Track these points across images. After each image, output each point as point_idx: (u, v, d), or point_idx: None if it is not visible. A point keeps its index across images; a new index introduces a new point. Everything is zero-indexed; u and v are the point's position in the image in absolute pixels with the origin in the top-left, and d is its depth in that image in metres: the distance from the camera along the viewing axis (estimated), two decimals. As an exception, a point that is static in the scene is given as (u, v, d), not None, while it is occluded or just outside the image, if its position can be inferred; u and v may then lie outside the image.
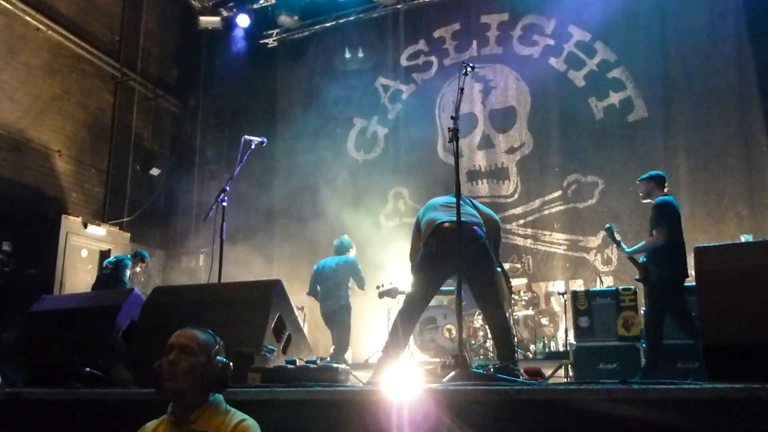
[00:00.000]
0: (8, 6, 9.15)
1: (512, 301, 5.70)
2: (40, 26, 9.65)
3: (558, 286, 9.06)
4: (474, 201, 4.93)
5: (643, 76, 9.41)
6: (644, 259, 5.90)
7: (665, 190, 6.03)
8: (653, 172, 6.18)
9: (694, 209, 8.68)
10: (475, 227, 4.53)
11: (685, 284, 5.69)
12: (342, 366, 3.60)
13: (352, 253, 8.02)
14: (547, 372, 5.90)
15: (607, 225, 6.37)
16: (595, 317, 6.45)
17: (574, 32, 9.99)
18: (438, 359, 7.17)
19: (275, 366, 3.55)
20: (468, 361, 3.60)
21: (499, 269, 4.79)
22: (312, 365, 3.54)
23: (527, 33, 10.34)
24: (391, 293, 5.62)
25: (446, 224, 4.47)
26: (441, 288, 4.96)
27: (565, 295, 7.76)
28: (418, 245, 4.80)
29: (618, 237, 6.24)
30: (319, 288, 7.95)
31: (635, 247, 6.10)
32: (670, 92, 9.20)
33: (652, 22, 9.41)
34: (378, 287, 5.73)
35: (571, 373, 6.36)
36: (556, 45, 10.08)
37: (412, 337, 7.81)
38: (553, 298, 9.12)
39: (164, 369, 2.43)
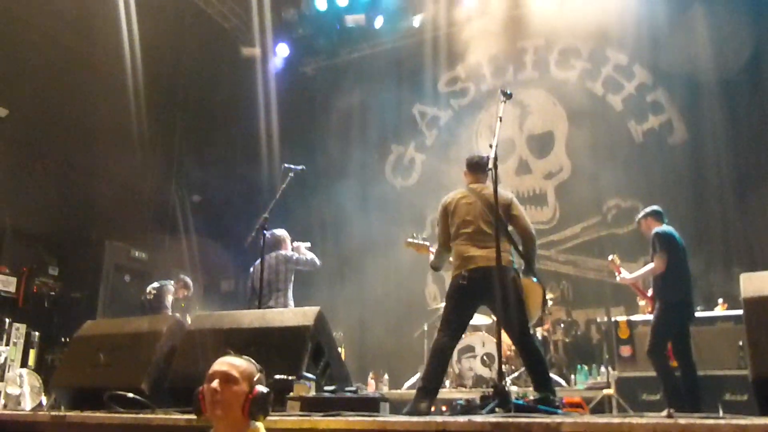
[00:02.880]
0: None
1: (547, 310, 5.65)
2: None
3: (598, 314, 8.89)
4: (511, 205, 4.80)
5: (683, 98, 9.27)
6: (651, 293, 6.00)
7: (663, 222, 6.07)
8: (649, 209, 6.25)
9: (739, 233, 8.46)
10: (507, 266, 4.51)
11: (696, 313, 5.85)
12: (380, 394, 3.59)
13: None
14: (589, 403, 5.79)
15: (610, 256, 6.47)
16: (638, 347, 6.31)
17: (611, 56, 9.92)
18: (476, 388, 7.09)
19: (314, 394, 3.56)
20: (508, 392, 3.55)
21: (535, 279, 4.77)
22: (351, 394, 3.53)
23: (564, 57, 10.30)
24: (419, 247, 5.51)
25: (479, 265, 4.44)
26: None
27: (605, 324, 7.62)
28: (444, 232, 4.83)
29: (619, 264, 6.36)
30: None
31: (635, 273, 6.23)
32: (712, 114, 9.01)
33: (690, 44, 9.27)
34: (409, 235, 5.57)
35: (613, 404, 6.22)
36: (593, 69, 10.02)
37: (450, 366, 7.78)
38: (593, 327, 8.94)
39: (207, 397, 2.46)
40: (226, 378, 2.48)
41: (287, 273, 6.76)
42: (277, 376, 3.39)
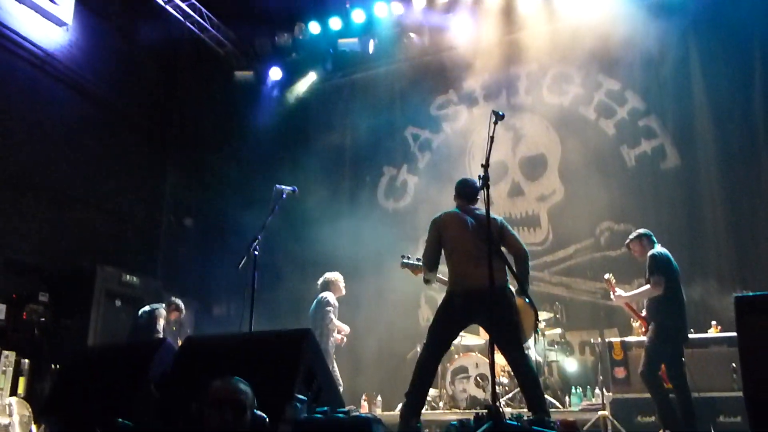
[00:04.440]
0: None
1: (539, 328, 5.63)
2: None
3: (592, 335, 8.87)
4: (503, 226, 4.88)
5: (674, 123, 9.36)
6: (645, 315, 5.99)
7: (656, 245, 6.11)
8: (640, 232, 6.30)
9: (730, 257, 8.51)
10: (501, 285, 4.52)
11: (690, 336, 5.85)
12: (373, 416, 3.56)
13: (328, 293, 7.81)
14: (584, 425, 5.76)
15: (606, 275, 6.46)
16: (632, 368, 6.29)
17: (604, 81, 10.02)
18: (470, 410, 7.04)
19: (306, 417, 3.52)
20: (501, 413, 3.53)
21: (527, 300, 4.78)
22: (343, 416, 3.50)
23: (556, 82, 10.40)
24: (414, 268, 5.49)
25: (476, 285, 4.43)
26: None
27: (599, 345, 7.60)
28: (434, 250, 4.88)
29: (614, 283, 6.35)
30: None
31: (631, 292, 6.26)
32: (703, 140, 9.10)
33: (682, 70, 9.40)
34: (403, 257, 5.59)
35: (608, 426, 6.18)
36: (586, 94, 10.12)
37: (444, 387, 7.74)
38: (587, 348, 8.92)
39: (212, 424, 2.40)
40: (235, 405, 2.44)
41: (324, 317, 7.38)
42: (269, 399, 3.35)
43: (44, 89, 9.46)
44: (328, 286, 7.83)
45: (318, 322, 7.45)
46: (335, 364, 7.56)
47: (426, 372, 4.51)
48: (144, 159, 11.29)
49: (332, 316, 7.49)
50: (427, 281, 5.21)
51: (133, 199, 10.91)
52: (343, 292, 7.90)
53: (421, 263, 5.45)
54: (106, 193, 10.35)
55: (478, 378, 7.47)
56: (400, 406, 7.91)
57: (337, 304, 7.66)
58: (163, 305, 8.37)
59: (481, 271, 4.31)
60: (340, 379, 7.50)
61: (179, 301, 8.60)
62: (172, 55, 12.05)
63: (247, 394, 2.48)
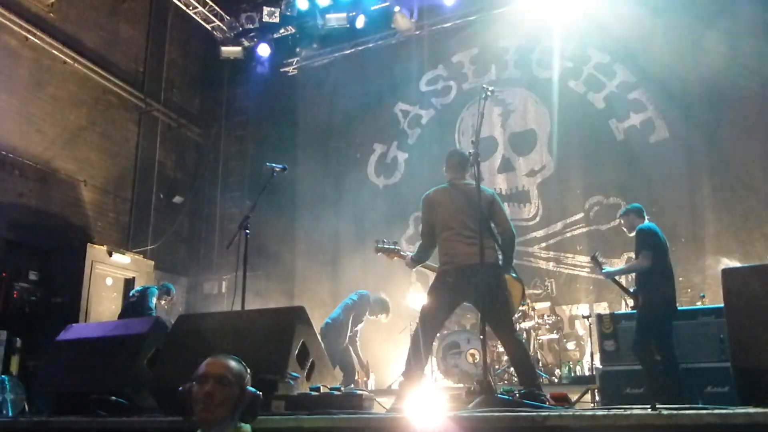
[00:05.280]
0: (35, 40, 9.40)
1: (524, 303, 5.63)
2: (67, 59, 9.88)
3: (582, 309, 8.96)
4: (493, 201, 4.84)
5: (663, 96, 9.36)
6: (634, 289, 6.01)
7: (645, 218, 6.12)
8: (631, 206, 6.31)
9: (719, 230, 8.58)
10: (492, 261, 4.54)
11: (678, 308, 5.86)
12: (366, 392, 3.59)
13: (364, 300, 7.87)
14: (573, 397, 5.82)
15: (593, 254, 6.48)
16: (621, 341, 6.33)
17: (593, 54, 9.99)
18: (462, 385, 7.11)
19: (299, 393, 3.55)
20: (493, 387, 3.57)
21: (514, 275, 4.80)
22: (336, 392, 3.53)
23: (546, 56, 10.35)
24: (389, 252, 5.42)
25: (468, 262, 4.45)
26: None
27: (589, 319, 7.67)
28: (429, 228, 4.85)
29: (602, 261, 6.37)
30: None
31: (618, 268, 6.40)
32: (692, 112, 9.13)
33: (671, 43, 9.37)
34: (377, 241, 5.51)
35: (597, 398, 6.26)
36: (575, 67, 10.08)
37: (435, 363, 7.80)
38: (577, 322, 9.00)
39: (199, 399, 2.41)
40: (221, 380, 2.44)
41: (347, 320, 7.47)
42: (262, 376, 3.37)
43: (28, 60, 9.33)
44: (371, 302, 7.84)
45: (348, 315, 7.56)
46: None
47: (420, 350, 4.53)
48: (133, 135, 11.20)
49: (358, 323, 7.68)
50: (417, 261, 5.15)
51: (121, 175, 10.83)
52: (380, 319, 7.99)
53: (397, 247, 5.43)
54: (94, 169, 10.27)
55: (469, 354, 7.53)
56: (391, 382, 8.04)
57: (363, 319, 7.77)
58: (156, 287, 8.37)
59: (471, 249, 4.32)
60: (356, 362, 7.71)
61: (171, 286, 8.61)
62: (158, 31, 11.90)
63: (233, 369, 2.48)
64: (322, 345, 4.43)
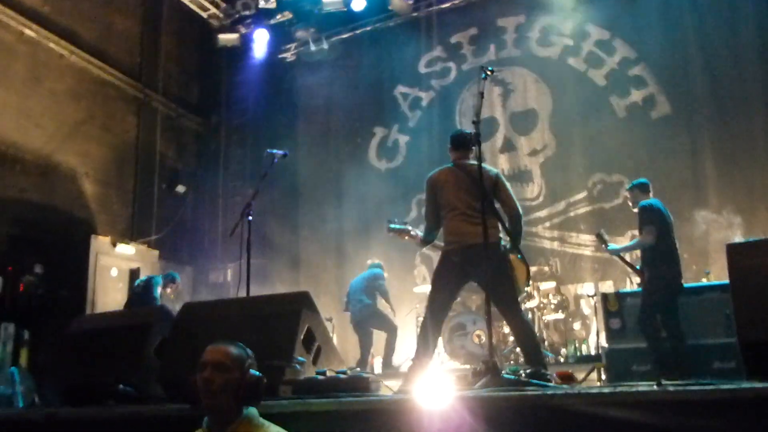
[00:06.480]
0: (31, 34, 9.34)
1: (529, 284, 5.61)
2: (63, 52, 9.83)
3: (587, 288, 8.95)
4: (498, 180, 4.80)
5: (664, 72, 9.29)
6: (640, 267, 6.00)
7: (650, 194, 6.12)
8: (636, 181, 6.31)
9: (723, 204, 8.55)
10: (495, 241, 4.52)
11: (684, 284, 5.86)
12: (373, 375, 3.60)
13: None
14: (580, 376, 5.84)
15: (598, 232, 6.49)
16: (627, 318, 6.34)
17: (593, 31, 9.91)
18: (468, 366, 7.13)
19: (306, 378, 3.56)
20: (499, 367, 3.57)
21: (519, 255, 4.80)
22: (342, 375, 3.54)
23: (545, 34, 10.27)
24: (401, 232, 5.43)
25: (473, 242, 4.44)
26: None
27: (594, 297, 7.67)
28: (433, 208, 4.86)
29: (607, 238, 6.37)
30: (349, 303, 8.48)
31: (623, 245, 6.38)
32: (694, 87, 9.06)
33: (671, 17, 9.29)
34: (389, 221, 5.53)
35: (603, 377, 6.27)
36: (575, 45, 10.00)
37: (441, 345, 7.82)
38: (582, 301, 9.00)
39: (200, 386, 2.44)
40: (218, 366, 2.46)
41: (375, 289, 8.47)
42: (269, 362, 3.38)
43: (24, 55, 9.29)
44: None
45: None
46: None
47: (429, 333, 4.54)
48: (133, 126, 11.18)
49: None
50: (425, 242, 5.16)
51: (122, 167, 10.82)
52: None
53: (408, 227, 5.43)
54: (95, 162, 10.26)
55: (475, 335, 7.55)
56: (397, 365, 8.08)
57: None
58: (161, 276, 8.39)
59: (476, 229, 4.31)
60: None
61: (176, 275, 8.62)
62: (154, 21, 11.83)
63: (231, 355, 2.49)
64: (328, 330, 4.44)
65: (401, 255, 9.63)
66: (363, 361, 8.27)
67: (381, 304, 8.53)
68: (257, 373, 2.53)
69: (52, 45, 9.66)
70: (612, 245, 6.35)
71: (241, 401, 2.47)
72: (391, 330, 8.34)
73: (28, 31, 9.28)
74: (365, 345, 8.41)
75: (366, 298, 8.34)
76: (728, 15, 8.92)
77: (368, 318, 8.33)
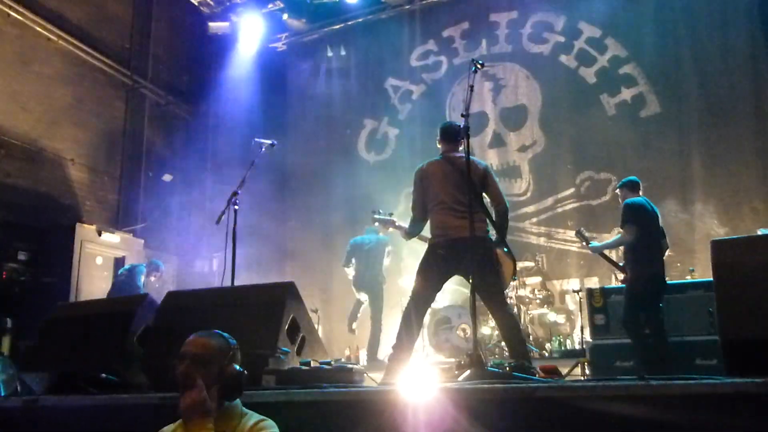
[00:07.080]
0: (19, 17, 9.22)
1: (515, 278, 5.64)
2: (51, 36, 9.72)
3: (573, 284, 9.00)
4: (487, 174, 4.80)
5: (655, 71, 9.34)
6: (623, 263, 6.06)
7: (639, 192, 6.15)
8: (626, 179, 6.32)
9: (709, 204, 8.62)
10: (482, 235, 4.53)
11: (668, 281, 5.94)
12: (357, 366, 3.59)
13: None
14: (564, 370, 5.87)
15: (578, 230, 6.60)
16: (611, 314, 6.39)
17: (585, 29, 9.93)
18: (453, 359, 7.15)
19: (290, 368, 3.55)
20: (483, 360, 3.58)
21: (506, 249, 4.80)
22: (326, 366, 3.53)
23: (537, 30, 10.29)
24: (385, 223, 5.46)
25: (459, 235, 4.46)
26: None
27: (580, 293, 7.71)
28: (420, 200, 4.86)
29: (587, 235, 6.48)
30: (355, 260, 8.40)
31: (604, 243, 6.41)
32: (683, 87, 9.12)
33: (663, 17, 9.33)
34: (374, 211, 5.55)
35: (587, 371, 6.31)
36: (567, 42, 10.02)
37: (427, 338, 7.84)
38: (568, 296, 9.06)
39: (178, 380, 2.39)
40: (197, 359, 2.40)
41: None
42: (253, 352, 3.37)
43: (11, 37, 9.18)
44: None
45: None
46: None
47: (412, 324, 4.54)
48: (121, 112, 11.08)
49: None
50: (410, 235, 5.16)
51: (109, 154, 10.73)
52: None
53: (393, 218, 5.43)
54: (81, 148, 10.17)
55: (459, 329, 7.57)
56: (382, 357, 8.08)
57: None
58: (144, 264, 8.36)
59: (463, 223, 4.31)
60: None
61: (159, 262, 8.58)
62: (145, 6, 11.72)
63: (212, 346, 2.44)
64: (312, 321, 4.43)
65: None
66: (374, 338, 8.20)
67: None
68: (238, 367, 2.49)
69: (39, 28, 9.54)
70: (593, 243, 6.39)
71: (220, 396, 2.44)
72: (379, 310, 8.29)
73: (14, 13, 9.15)
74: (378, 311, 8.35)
75: (382, 271, 8.42)
76: (719, 16, 8.97)
77: (380, 291, 8.35)
